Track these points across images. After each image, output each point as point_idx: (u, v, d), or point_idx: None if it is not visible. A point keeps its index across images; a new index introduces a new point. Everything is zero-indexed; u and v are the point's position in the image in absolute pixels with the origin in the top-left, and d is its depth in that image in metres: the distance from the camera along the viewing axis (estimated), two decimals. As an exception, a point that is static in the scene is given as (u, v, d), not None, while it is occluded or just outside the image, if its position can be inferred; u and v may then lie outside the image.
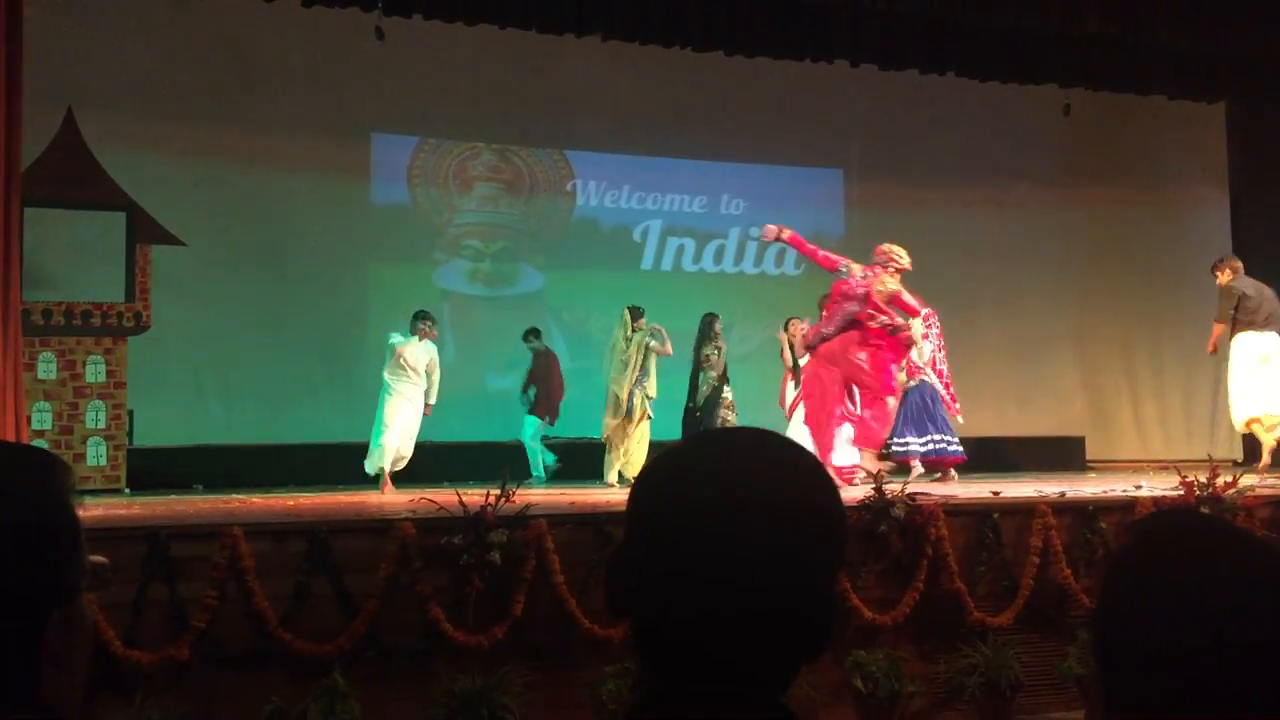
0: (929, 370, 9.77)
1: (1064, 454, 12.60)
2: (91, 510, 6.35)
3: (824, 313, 9.02)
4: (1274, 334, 9.43)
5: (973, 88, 11.58)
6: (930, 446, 9.36)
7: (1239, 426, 9.85)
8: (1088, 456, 12.95)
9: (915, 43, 10.45)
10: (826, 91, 12.31)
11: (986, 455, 11.89)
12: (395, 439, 9.01)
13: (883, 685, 6.08)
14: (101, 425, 9.10)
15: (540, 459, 10.76)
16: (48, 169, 8.96)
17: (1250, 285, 9.55)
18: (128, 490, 8.96)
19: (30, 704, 1.10)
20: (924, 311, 9.67)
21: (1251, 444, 10.57)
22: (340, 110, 11.49)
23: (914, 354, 9.67)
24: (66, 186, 9.06)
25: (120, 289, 9.28)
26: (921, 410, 9.54)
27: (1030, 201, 13.62)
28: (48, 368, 8.99)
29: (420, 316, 9.31)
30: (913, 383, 9.64)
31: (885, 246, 8.68)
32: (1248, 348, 9.48)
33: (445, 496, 5.96)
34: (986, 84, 11.44)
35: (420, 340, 9.18)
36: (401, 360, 9.10)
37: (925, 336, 9.72)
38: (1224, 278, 9.65)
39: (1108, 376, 13.67)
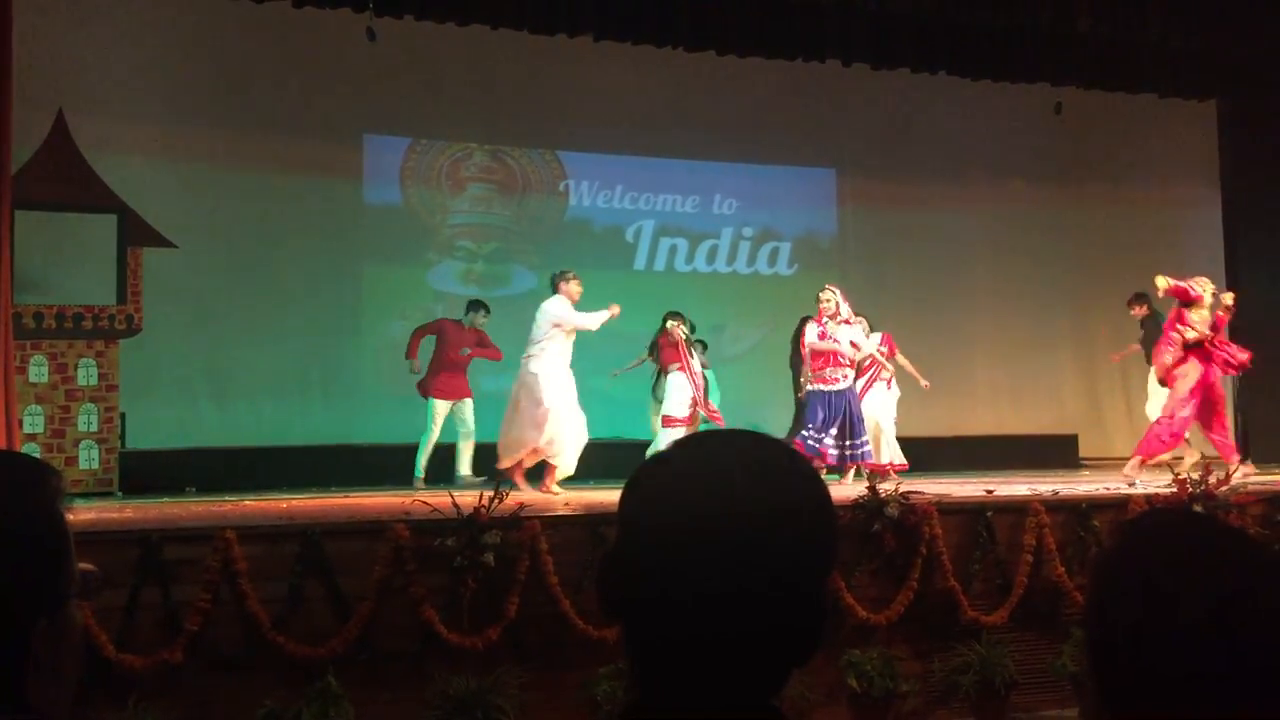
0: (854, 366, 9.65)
1: (1057, 452, 12.59)
2: (84, 514, 6.33)
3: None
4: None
5: (964, 86, 11.60)
6: (847, 452, 9.36)
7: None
8: (1081, 454, 12.95)
9: (907, 42, 10.47)
10: (818, 91, 12.30)
11: (980, 453, 11.90)
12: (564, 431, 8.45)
13: (877, 684, 6.09)
14: (93, 428, 9.07)
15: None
16: (38, 171, 8.92)
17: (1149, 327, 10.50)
18: (120, 493, 8.92)
19: (18, 711, 1.10)
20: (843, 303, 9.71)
21: (1246, 442, 10.64)
22: (332, 111, 11.46)
23: (851, 348, 9.56)
24: (57, 189, 9.01)
25: (112, 291, 9.23)
26: (848, 413, 9.44)
27: (1022, 200, 13.63)
28: (39, 371, 8.95)
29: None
30: (842, 385, 9.45)
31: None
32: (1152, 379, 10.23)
33: (439, 498, 5.95)
34: (978, 83, 11.46)
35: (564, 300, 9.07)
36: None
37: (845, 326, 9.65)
38: (1139, 312, 10.76)
39: (1101, 374, 13.68)
